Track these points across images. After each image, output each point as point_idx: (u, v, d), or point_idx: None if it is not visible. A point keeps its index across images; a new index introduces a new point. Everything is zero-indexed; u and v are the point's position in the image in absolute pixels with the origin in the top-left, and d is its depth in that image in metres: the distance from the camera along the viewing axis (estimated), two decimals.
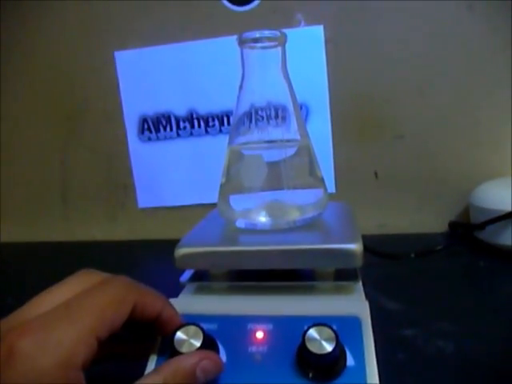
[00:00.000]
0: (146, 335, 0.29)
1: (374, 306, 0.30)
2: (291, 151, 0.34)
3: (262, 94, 0.35)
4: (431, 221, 0.64)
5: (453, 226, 0.61)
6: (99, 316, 0.23)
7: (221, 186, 0.37)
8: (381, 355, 0.27)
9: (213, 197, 0.37)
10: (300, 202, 0.34)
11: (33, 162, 0.76)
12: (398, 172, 0.65)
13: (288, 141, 0.35)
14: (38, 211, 0.78)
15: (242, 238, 0.34)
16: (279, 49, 0.35)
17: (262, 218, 0.34)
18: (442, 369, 0.32)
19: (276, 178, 0.34)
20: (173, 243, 0.33)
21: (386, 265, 0.52)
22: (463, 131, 0.62)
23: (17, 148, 0.76)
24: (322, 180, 0.36)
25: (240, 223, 0.35)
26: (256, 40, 0.34)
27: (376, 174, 0.65)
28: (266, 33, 0.33)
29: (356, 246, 0.30)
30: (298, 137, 0.36)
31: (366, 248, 0.30)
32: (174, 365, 0.24)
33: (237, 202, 0.35)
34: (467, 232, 0.57)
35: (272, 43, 0.34)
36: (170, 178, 0.71)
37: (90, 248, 0.72)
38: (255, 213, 0.34)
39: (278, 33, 0.34)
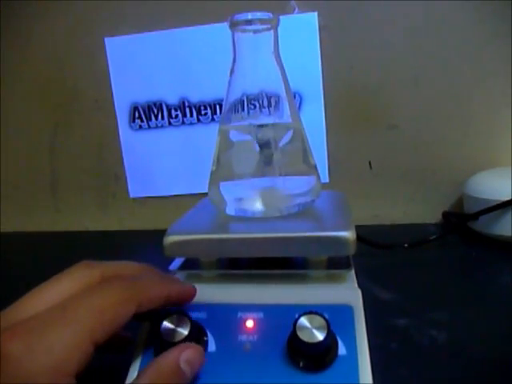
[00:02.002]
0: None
1: (367, 296, 0.30)
2: (283, 137, 0.34)
3: (253, 80, 0.35)
4: (425, 211, 0.64)
5: (446, 216, 0.61)
6: (97, 319, 0.21)
7: (211, 173, 0.36)
8: (373, 345, 0.27)
9: (205, 186, 0.36)
10: (292, 190, 0.34)
11: (22, 151, 0.75)
12: (391, 162, 0.64)
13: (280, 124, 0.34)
14: (27, 201, 0.77)
15: (232, 225, 0.34)
16: (271, 32, 0.34)
17: (253, 206, 0.33)
18: (435, 358, 0.32)
19: (268, 164, 0.33)
20: (164, 233, 0.32)
21: (379, 255, 0.52)
22: (457, 121, 0.62)
23: (5, 137, 0.75)
24: (315, 167, 0.36)
25: (230, 210, 0.34)
26: (248, 22, 0.33)
27: (370, 163, 0.65)
28: (258, 15, 0.33)
29: (349, 234, 0.29)
30: (291, 123, 0.35)
31: (359, 238, 0.30)
32: (157, 364, 0.23)
33: (227, 189, 0.34)
34: (461, 222, 0.56)
35: (264, 26, 0.33)
36: (162, 167, 0.70)
37: (81, 238, 0.71)
38: (246, 200, 0.34)
39: (270, 15, 0.33)
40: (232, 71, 0.35)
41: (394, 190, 0.65)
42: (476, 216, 0.53)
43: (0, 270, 0.58)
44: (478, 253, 0.51)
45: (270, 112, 0.35)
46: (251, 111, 0.35)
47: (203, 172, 0.38)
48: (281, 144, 0.33)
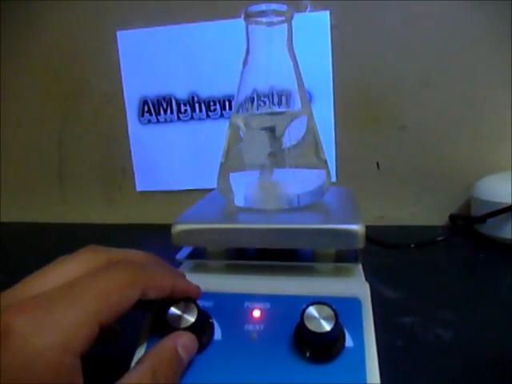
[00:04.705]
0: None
1: (374, 294, 0.29)
2: (295, 129, 0.33)
3: (266, 72, 0.34)
4: (431, 213, 0.64)
5: (453, 218, 0.61)
6: (104, 300, 0.21)
7: (220, 164, 0.36)
8: (379, 342, 0.26)
9: (213, 182, 0.36)
10: (302, 182, 0.34)
11: (30, 142, 0.76)
12: (399, 163, 0.64)
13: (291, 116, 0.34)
14: (35, 193, 0.77)
15: (240, 216, 0.33)
16: (285, 25, 0.34)
17: (262, 197, 0.33)
18: (441, 356, 0.32)
19: (278, 156, 0.33)
20: (170, 228, 0.32)
21: (386, 254, 0.52)
22: (466, 124, 0.62)
23: (14, 128, 0.75)
24: (325, 162, 0.36)
25: (239, 202, 0.34)
26: (262, 14, 0.33)
27: (378, 164, 0.64)
28: (273, 6, 0.32)
29: (358, 227, 0.29)
30: (303, 116, 0.35)
31: (366, 237, 0.30)
32: (157, 350, 0.23)
33: (236, 180, 0.34)
34: (467, 225, 0.56)
35: (278, 18, 0.33)
36: (169, 162, 0.70)
37: (87, 230, 0.71)
38: (255, 191, 0.33)
39: (285, 7, 0.33)
40: (245, 62, 0.35)
41: (401, 191, 0.65)
42: (483, 219, 0.52)
43: (5, 260, 0.58)
44: (485, 255, 0.51)
45: (279, 108, 0.34)
46: (261, 108, 0.35)
47: (211, 167, 0.38)
48: (292, 136, 0.33)
